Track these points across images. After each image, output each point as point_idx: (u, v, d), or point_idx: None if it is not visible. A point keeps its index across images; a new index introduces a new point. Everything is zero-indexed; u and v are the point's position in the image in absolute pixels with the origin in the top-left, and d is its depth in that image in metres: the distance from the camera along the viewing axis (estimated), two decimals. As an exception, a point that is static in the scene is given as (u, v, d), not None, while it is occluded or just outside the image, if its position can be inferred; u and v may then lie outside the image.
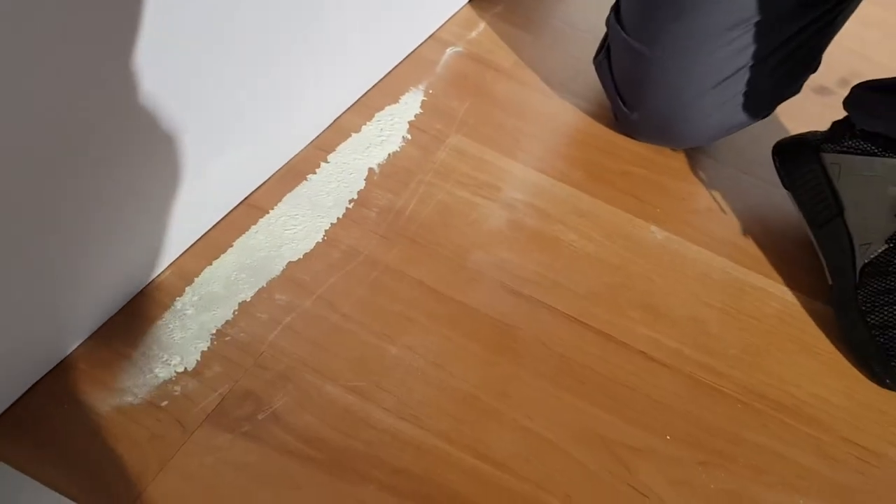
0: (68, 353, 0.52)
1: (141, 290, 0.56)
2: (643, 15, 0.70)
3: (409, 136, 0.73)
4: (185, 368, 0.52)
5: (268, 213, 0.63)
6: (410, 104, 0.76)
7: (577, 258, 0.66)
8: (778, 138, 0.74)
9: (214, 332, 0.55)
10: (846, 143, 0.66)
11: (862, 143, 0.64)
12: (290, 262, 0.60)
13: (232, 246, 0.60)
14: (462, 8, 0.90)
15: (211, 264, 0.59)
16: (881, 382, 0.62)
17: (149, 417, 0.50)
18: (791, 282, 0.68)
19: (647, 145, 0.78)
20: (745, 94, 0.69)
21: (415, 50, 0.82)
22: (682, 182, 0.76)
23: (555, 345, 0.59)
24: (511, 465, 0.52)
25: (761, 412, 0.58)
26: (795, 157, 0.71)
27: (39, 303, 0.46)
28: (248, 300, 0.57)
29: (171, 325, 0.55)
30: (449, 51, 0.84)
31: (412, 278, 0.61)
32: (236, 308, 0.56)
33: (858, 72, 0.94)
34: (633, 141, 0.78)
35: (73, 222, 0.45)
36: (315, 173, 0.67)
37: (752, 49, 0.66)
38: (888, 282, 0.62)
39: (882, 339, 0.61)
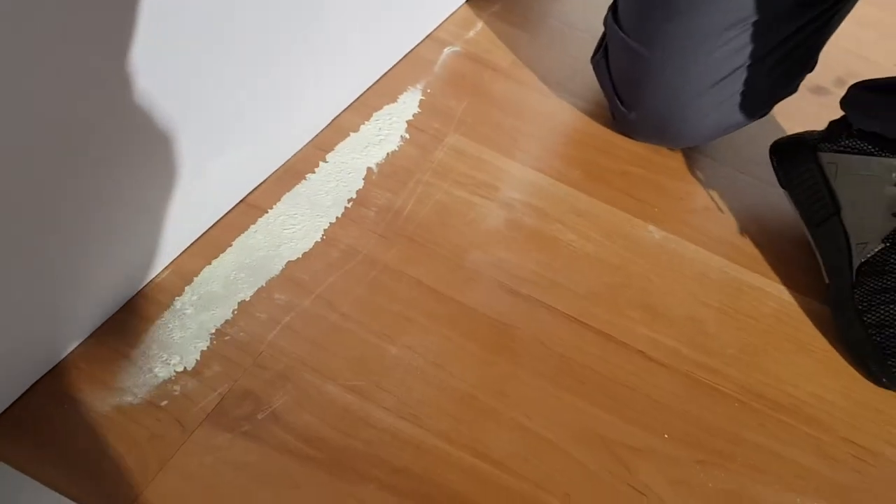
0: (68, 352, 0.52)
1: (140, 290, 0.56)
2: (641, 15, 0.70)
3: (407, 136, 0.73)
4: (185, 368, 0.52)
5: (267, 212, 0.63)
6: (408, 104, 0.76)
7: (576, 258, 0.66)
8: (775, 138, 0.75)
9: (214, 331, 0.55)
10: (843, 143, 0.66)
11: (859, 142, 0.65)
12: (289, 262, 0.60)
13: (231, 245, 0.60)
14: (459, 7, 0.90)
15: (210, 264, 0.59)
16: (878, 381, 0.62)
17: (148, 417, 0.50)
18: (788, 281, 0.69)
19: (645, 145, 0.78)
20: (743, 94, 0.69)
21: (412, 49, 0.82)
22: (680, 181, 0.76)
23: (553, 344, 0.59)
24: (510, 465, 0.52)
25: (759, 411, 0.59)
26: (792, 156, 0.71)
27: (39, 302, 0.46)
28: (248, 299, 0.57)
29: (170, 325, 0.55)
30: (447, 50, 0.84)
31: (411, 278, 0.61)
32: (235, 307, 0.56)
33: (855, 72, 0.94)
34: (630, 140, 0.79)
35: (73, 222, 0.45)
36: (314, 173, 0.67)
37: (749, 49, 0.66)
38: (884, 281, 0.62)
39: (878, 338, 0.61)
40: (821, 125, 0.70)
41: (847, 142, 0.65)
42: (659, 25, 0.68)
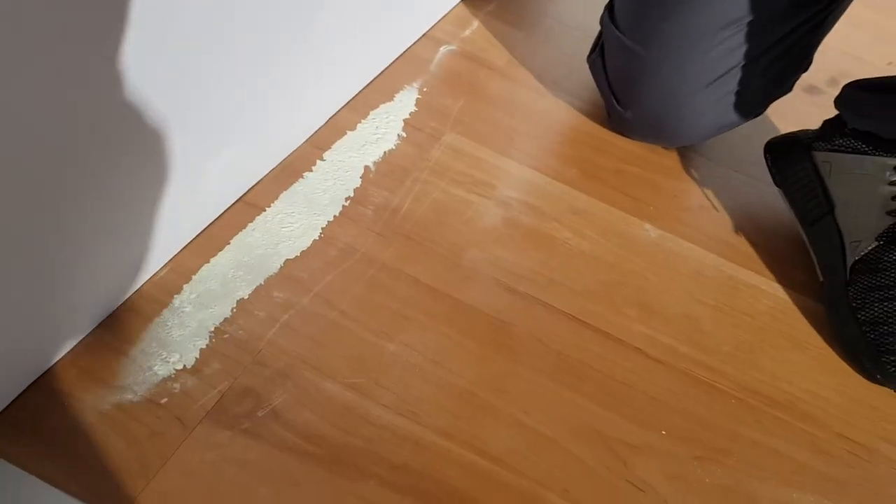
0: (67, 350, 0.52)
1: (139, 288, 0.56)
2: (637, 14, 0.70)
3: (404, 134, 0.73)
4: (185, 366, 0.53)
5: (265, 210, 0.63)
6: (405, 102, 0.76)
7: (572, 256, 0.66)
8: (769, 137, 0.75)
9: (213, 329, 0.55)
10: (837, 142, 0.66)
11: (853, 141, 0.65)
12: (287, 260, 0.60)
13: (229, 243, 0.60)
14: (455, 6, 0.90)
15: (209, 262, 0.59)
16: (872, 378, 0.62)
17: (148, 414, 0.50)
18: (783, 279, 0.69)
19: (640, 143, 0.79)
20: (738, 93, 0.70)
21: (409, 48, 0.83)
22: (675, 180, 0.77)
23: (551, 341, 0.60)
24: (509, 461, 0.52)
25: (755, 408, 0.59)
26: (787, 155, 0.72)
27: (38, 301, 0.46)
28: (246, 298, 0.57)
29: (169, 323, 0.55)
30: (442, 49, 0.84)
31: (408, 276, 0.61)
32: (234, 305, 0.57)
33: (848, 72, 0.95)
34: (626, 139, 0.79)
35: (72, 220, 0.45)
36: (311, 171, 0.67)
37: (744, 48, 0.66)
38: (878, 278, 0.62)
39: (872, 336, 0.62)
40: (814, 125, 0.71)
41: (841, 141, 0.66)
42: (655, 24, 0.68)
